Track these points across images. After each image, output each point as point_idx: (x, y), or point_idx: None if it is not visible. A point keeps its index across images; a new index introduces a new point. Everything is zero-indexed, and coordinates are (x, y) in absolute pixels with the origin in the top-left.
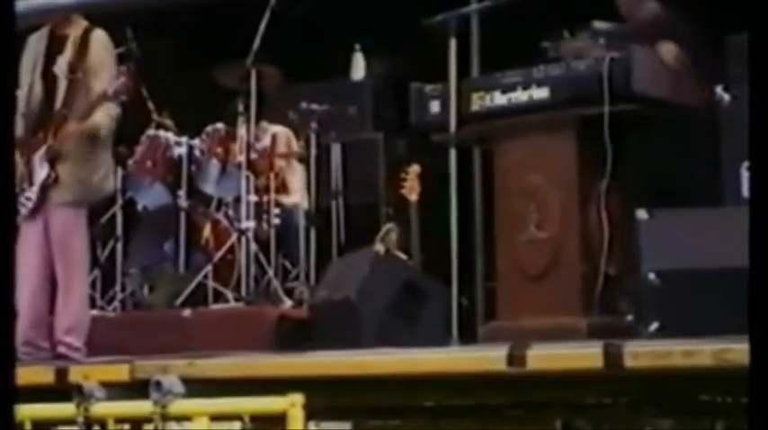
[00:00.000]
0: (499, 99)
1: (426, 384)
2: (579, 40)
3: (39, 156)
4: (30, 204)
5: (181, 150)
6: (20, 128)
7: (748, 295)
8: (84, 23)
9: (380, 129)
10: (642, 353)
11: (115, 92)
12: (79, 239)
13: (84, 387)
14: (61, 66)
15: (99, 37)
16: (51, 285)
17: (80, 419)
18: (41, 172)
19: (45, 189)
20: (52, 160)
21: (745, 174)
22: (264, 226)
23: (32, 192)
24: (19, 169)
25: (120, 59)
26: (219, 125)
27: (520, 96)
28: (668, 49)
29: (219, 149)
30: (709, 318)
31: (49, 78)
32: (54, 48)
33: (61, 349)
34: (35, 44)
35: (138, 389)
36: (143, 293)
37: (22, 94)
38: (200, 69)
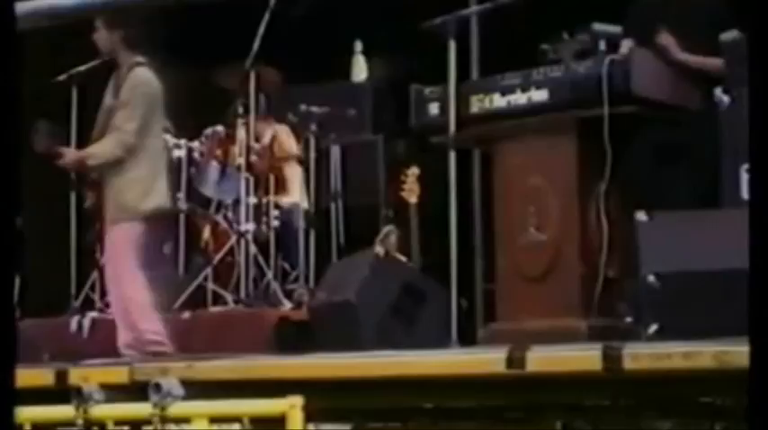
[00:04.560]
0: (498, 101)
1: (426, 386)
2: (579, 41)
3: None
4: None
5: (180, 153)
6: None
7: (748, 297)
8: (132, 61)
9: (380, 131)
10: (641, 354)
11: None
12: (118, 256)
13: (84, 389)
14: (107, 102)
15: (133, 76)
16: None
17: (79, 421)
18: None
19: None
20: (80, 187)
21: (744, 176)
22: (264, 228)
23: None
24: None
25: None
26: (219, 127)
27: (519, 98)
28: (666, 38)
29: (219, 151)
30: (709, 320)
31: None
32: (115, 84)
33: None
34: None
35: (137, 391)
36: None
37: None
38: (199, 71)
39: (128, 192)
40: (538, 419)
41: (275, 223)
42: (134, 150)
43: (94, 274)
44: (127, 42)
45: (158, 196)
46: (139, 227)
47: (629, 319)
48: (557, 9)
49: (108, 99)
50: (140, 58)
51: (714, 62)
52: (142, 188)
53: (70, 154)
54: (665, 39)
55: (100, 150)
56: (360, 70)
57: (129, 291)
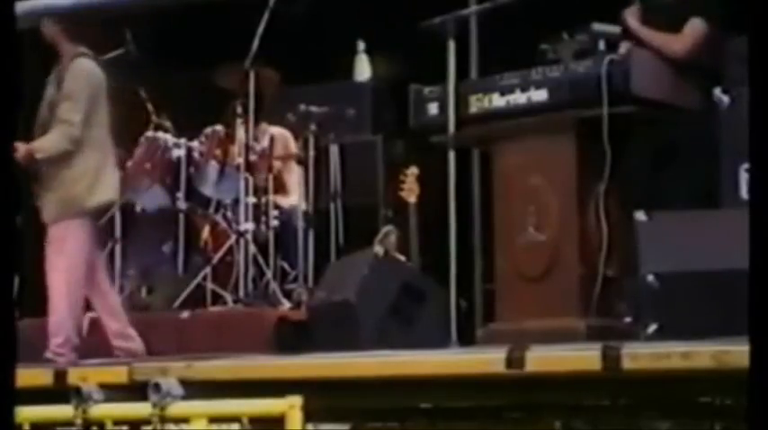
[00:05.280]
0: (498, 101)
1: (425, 386)
2: (578, 41)
3: None
4: None
5: (179, 152)
6: None
7: (748, 296)
8: (73, 52)
9: (379, 130)
10: (641, 354)
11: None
12: (61, 253)
13: (83, 389)
14: (50, 94)
15: (75, 66)
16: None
17: (78, 421)
18: None
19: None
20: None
21: (743, 177)
22: (263, 227)
23: None
24: None
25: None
26: (218, 127)
27: (518, 98)
28: (696, 26)
29: (218, 151)
30: (708, 320)
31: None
32: (57, 76)
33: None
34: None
35: (136, 391)
36: (141, 295)
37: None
38: (199, 71)
39: (75, 187)
40: (537, 419)
41: (274, 223)
42: (80, 143)
43: None
44: (67, 33)
45: (106, 190)
46: (88, 224)
47: (628, 319)
48: (556, 9)
49: (50, 91)
50: (83, 49)
51: (674, 43)
52: (89, 182)
53: (21, 148)
54: (629, 12)
55: (47, 144)
56: (363, 69)
57: (59, 295)
